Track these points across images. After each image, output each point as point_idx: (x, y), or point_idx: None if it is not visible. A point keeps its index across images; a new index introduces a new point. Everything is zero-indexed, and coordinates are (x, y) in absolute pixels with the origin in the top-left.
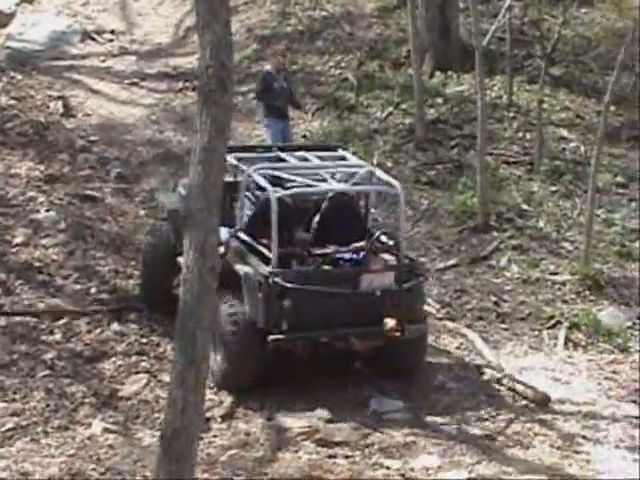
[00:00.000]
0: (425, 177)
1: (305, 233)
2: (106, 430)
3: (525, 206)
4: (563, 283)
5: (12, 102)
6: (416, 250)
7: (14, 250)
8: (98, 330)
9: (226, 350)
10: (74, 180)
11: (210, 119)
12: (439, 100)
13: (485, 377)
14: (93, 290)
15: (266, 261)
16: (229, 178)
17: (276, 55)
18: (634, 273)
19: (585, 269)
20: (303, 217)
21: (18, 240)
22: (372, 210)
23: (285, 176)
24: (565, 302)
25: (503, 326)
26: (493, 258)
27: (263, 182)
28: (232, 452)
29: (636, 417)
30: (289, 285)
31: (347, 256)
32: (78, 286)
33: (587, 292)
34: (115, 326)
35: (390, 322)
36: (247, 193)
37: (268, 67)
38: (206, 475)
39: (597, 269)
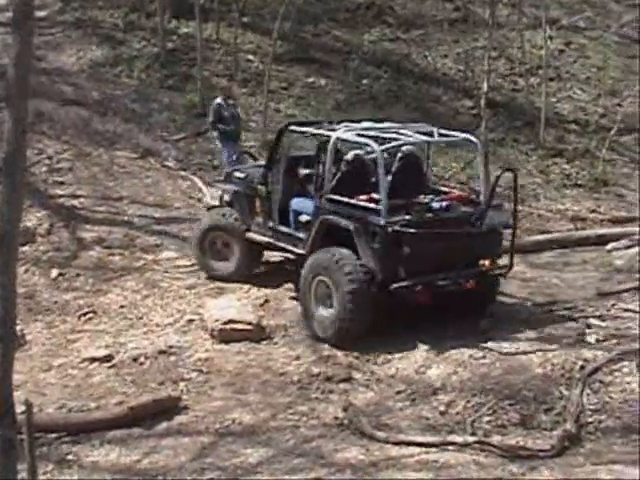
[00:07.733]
0: (166, 84)
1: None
2: None
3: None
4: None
5: None
6: (164, 128)
7: None
8: None
9: (344, 303)
10: None
11: (18, 43)
12: (174, 37)
13: None
14: None
15: (368, 213)
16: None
17: (225, 87)
18: None
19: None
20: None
21: None
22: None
23: (384, 135)
24: None
25: None
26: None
27: (371, 142)
28: (50, 254)
29: None
30: (412, 231)
31: (436, 205)
32: None
33: None
34: None
35: (486, 262)
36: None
37: (218, 99)
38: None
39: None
